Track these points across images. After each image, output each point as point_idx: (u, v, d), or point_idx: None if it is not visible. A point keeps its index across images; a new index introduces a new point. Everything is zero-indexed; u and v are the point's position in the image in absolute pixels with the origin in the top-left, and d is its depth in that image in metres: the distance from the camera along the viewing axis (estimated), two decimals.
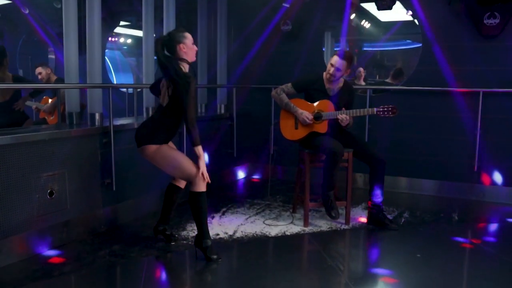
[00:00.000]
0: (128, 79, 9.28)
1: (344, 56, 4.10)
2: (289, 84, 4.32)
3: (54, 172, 3.57)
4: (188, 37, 3.34)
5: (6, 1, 7.36)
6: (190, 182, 3.33)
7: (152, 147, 3.32)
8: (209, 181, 3.33)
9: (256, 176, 6.33)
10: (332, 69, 4.13)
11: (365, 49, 8.65)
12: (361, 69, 7.23)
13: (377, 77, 8.00)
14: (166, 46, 3.31)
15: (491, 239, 4.00)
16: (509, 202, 5.07)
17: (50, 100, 5.59)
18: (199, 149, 3.25)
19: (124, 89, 7.13)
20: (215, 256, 3.35)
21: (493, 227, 4.35)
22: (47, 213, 3.53)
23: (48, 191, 3.52)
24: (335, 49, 7.17)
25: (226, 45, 6.09)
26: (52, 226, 3.58)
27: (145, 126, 3.43)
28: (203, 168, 3.29)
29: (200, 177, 3.28)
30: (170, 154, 3.36)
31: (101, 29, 4.15)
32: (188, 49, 3.32)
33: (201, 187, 3.30)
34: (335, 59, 4.12)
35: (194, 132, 3.22)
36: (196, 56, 3.45)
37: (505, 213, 4.81)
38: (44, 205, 3.50)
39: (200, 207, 3.31)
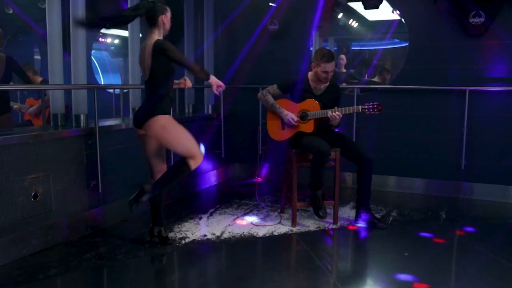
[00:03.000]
0: (117, 79, 9.22)
1: (333, 56, 4.10)
2: (275, 86, 4.31)
3: (38, 174, 3.52)
4: (169, 11, 3.46)
5: None
6: (189, 156, 3.41)
7: (163, 118, 3.38)
8: (223, 87, 3.56)
9: (244, 176, 6.31)
10: (330, 75, 4.12)
11: (353, 48, 8.67)
12: (343, 56, 7.27)
13: (366, 76, 8.01)
14: (148, 13, 3.38)
15: (478, 236, 4.02)
16: (496, 200, 5.10)
17: (34, 102, 5.53)
18: (210, 78, 3.49)
19: (111, 90, 7.07)
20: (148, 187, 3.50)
21: (480, 224, 4.37)
22: (32, 216, 3.48)
23: (32, 193, 3.47)
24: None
25: (213, 45, 6.06)
26: (36, 229, 3.53)
27: (143, 106, 3.51)
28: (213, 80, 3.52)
29: (198, 156, 3.42)
30: (180, 126, 3.46)
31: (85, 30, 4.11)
32: (168, 22, 3.45)
33: (193, 165, 3.43)
34: (333, 65, 4.09)
35: (194, 65, 3.52)
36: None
37: (492, 211, 4.84)
38: (28, 208, 3.45)
39: (180, 173, 3.46)
